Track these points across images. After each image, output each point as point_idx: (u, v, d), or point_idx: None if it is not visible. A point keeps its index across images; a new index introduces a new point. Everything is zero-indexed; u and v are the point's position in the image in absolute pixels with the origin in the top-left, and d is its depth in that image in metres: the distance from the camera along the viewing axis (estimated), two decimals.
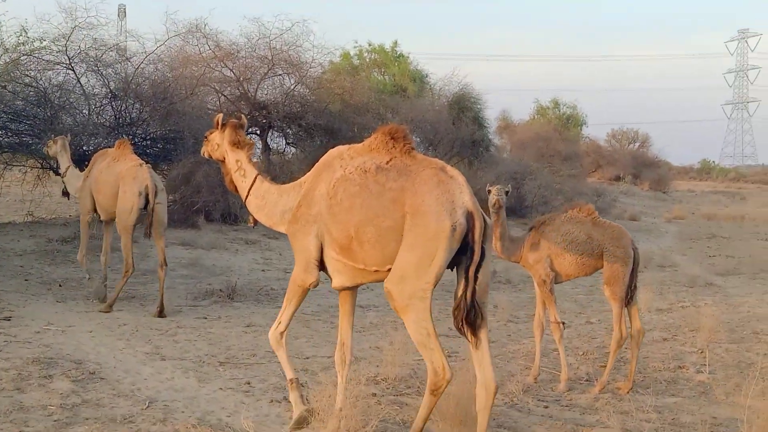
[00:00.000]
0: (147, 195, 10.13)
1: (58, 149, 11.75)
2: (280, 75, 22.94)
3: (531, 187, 22.05)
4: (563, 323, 7.43)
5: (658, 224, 28.22)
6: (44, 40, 15.75)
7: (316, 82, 23.02)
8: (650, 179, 50.33)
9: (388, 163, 5.24)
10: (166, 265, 10.39)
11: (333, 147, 5.85)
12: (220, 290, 11.29)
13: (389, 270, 5.02)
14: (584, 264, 7.27)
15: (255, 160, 6.26)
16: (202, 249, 14.77)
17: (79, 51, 17.36)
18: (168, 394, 6.74)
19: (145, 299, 10.86)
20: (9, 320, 9.22)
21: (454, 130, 24.14)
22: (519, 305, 11.52)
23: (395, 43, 31.24)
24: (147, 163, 10.87)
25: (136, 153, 17.33)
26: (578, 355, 8.65)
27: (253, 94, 22.44)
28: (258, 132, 23.47)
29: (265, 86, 22.88)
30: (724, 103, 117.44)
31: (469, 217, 4.90)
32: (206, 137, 6.47)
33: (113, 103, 17.72)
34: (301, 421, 5.64)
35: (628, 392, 7.08)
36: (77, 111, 17.35)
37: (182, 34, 20.52)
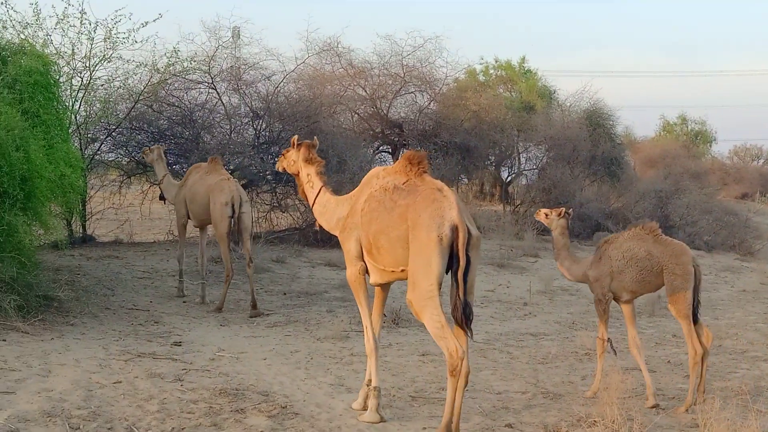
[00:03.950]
0: (233, 205, 11.04)
1: (155, 158, 12.61)
2: (412, 92, 22.66)
3: (677, 207, 20.94)
4: (609, 340, 7.44)
5: None
6: (194, 61, 15.73)
7: (449, 99, 22.59)
8: None
9: (404, 183, 6.18)
10: (252, 262, 11.38)
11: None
12: (384, 314, 10.81)
13: (402, 270, 6.00)
14: (644, 281, 7.30)
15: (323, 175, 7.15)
16: None
17: (221, 70, 17.40)
18: None
19: (308, 323, 10.49)
20: (180, 345, 9.00)
21: (591, 148, 23.23)
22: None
23: (523, 59, 30.59)
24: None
25: (274, 172, 17.41)
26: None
27: (385, 112, 22.19)
28: (390, 150, 23.19)
29: (397, 104, 22.64)
30: None
31: (454, 229, 5.77)
32: (283, 154, 7.44)
33: (254, 122, 17.65)
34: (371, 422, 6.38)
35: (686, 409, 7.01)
36: (219, 130, 17.35)
37: (319, 53, 20.46)
